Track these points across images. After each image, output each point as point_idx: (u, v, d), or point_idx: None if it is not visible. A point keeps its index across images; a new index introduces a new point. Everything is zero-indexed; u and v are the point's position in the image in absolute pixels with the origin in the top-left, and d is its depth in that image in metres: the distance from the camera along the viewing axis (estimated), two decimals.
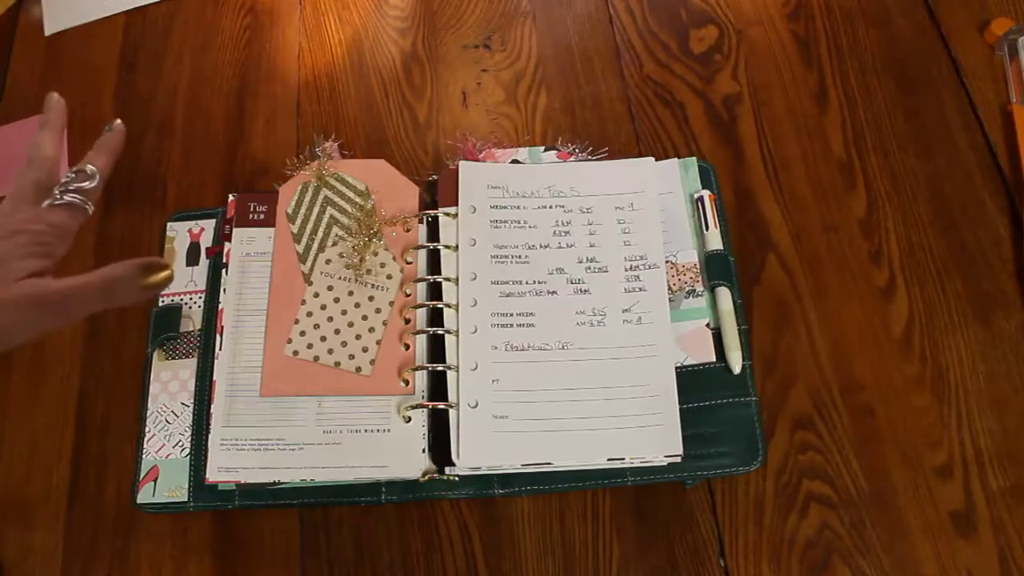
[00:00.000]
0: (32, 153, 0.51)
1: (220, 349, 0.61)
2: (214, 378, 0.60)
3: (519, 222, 0.63)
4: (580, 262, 0.62)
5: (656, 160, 0.66)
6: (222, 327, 0.62)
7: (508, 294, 0.61)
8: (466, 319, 0.60)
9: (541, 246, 0.63)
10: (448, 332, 0.60)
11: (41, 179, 0.50)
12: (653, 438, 0.56)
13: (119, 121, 0.56)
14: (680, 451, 0.55)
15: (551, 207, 0.64)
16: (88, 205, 0.50)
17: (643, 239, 0.62)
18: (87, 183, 0.50)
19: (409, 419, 0.58)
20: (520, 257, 0.62)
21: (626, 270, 0.61)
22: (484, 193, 0.64)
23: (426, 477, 0.57)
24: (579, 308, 0.60)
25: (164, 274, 0.48)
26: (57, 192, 0.49)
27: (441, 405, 0.58)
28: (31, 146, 0.52)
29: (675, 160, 0.66)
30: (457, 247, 0.63)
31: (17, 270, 0.45)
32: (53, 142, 0.53)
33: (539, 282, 0.61)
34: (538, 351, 0.59)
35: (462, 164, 0.65)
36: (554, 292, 0.61)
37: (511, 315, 0.60)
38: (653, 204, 0.64)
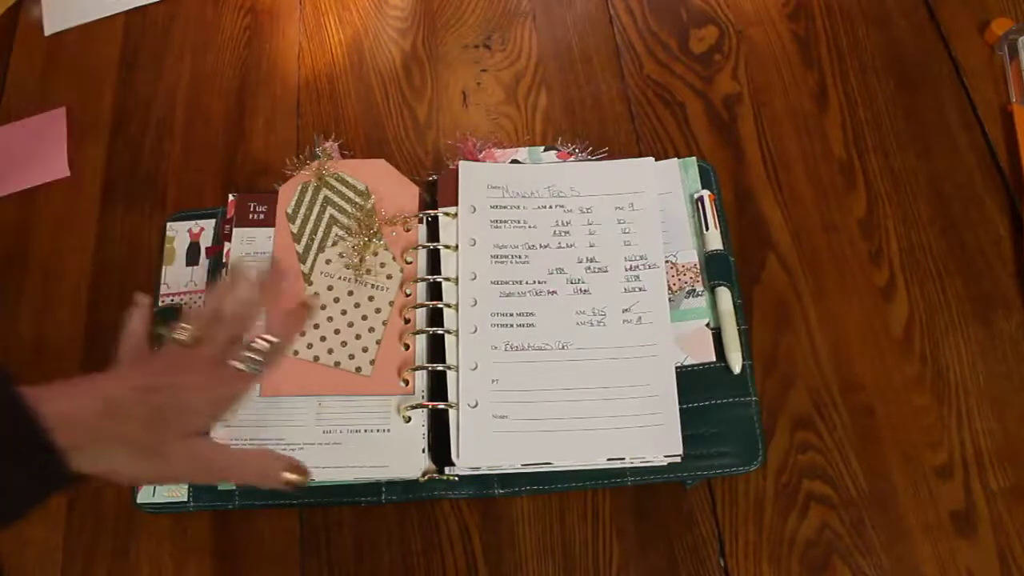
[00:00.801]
0: (237, 307, 0.50)
1: None
2: None
3: (519, 222, 0.63)
4: (580, 262, 0.62)
5: (656, 160, 0.66)
6: None
7: (508, 294, 0.61)
8: (466, 319, 0.60)
9: (541, 246, 0.63)
10: (448, 332, 0.60)
11: (236, 338, 0.49)
12: (653, 438, 0.56)
13: (312, 296, 0.55)
14: (680, 451, 0.55)
15: (551, 207, 0.64)
16: (262, 372, 0.49)
17: (643, 239, 0.62)
18: (270, 355, 0.49)
19: (409, 419, 0.58)
20: (520, 257, 0.62)
21: (626, 270, 0.61)
22: (484, 193, 0.64)
23: (426, 477, 0.57)
24: (579, 308, 0.60)
25: (303, 479, 0.48)
26: (243, 364, 0.48)
27: (441, 405, 0.58)
28: (238, 299, 0.50)
29: (675, 160, 0.66)
30: (457, 247, 0.63)
31: (197, 425, 0.47)
32: (264, 306, 0.52)
33: (539, 282, 0.61)
34: (538, 351, 0.59)
35: (462, 164, 0.65)
36: (554, 292, 0.61)
37: (511, 315, 0.60)
38: (653, 204, 0.64)
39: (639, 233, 0.63)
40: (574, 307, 0.60)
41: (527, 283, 0.61)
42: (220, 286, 0.53)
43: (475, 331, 0.60)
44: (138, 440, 0.44)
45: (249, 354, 0.48)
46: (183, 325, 0.48)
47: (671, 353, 0.59)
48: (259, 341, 0.49)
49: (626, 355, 0.59)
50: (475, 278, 0.61)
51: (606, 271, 0.61)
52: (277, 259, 0.55)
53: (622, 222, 0.63)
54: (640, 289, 0.61)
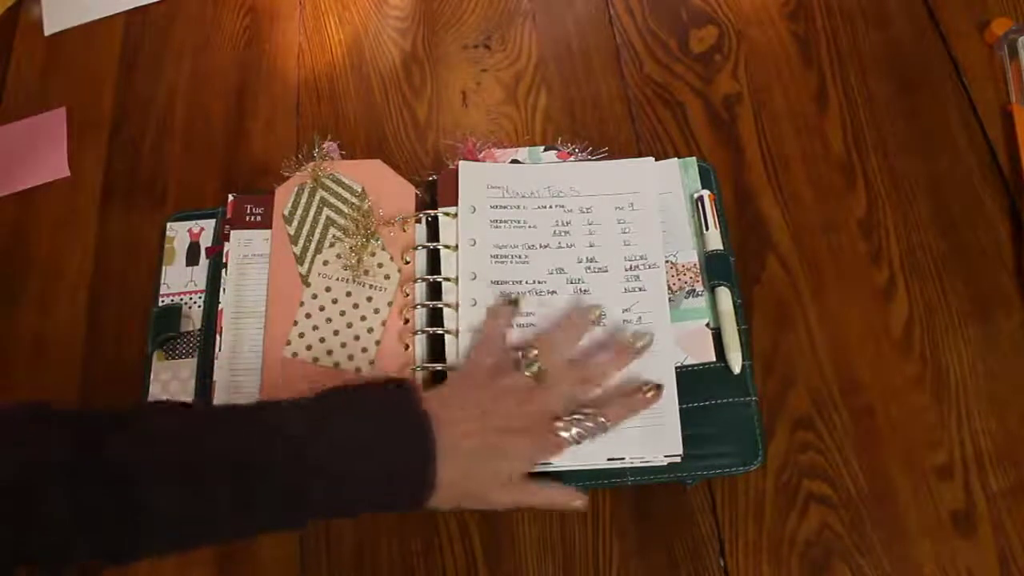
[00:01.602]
0: (592, 367, 0.55)
1: (220, 349, 0.61)
2: (214, 378, 0.60)
3: (519, 222, 0.63)
4: (580, 262, 0.62)
5: (656, 160, 0.66)
6: (222, 327, 0.62)
7: (508, 294, 0.61)
8: (466, 319, 0.60)
9: (541, 246, 0.63)
10: (448, 332, 0.60)
11: (573, 399, 0.54)
12: (653, 438, 0.56)
13: (657, 388, 0.56)
14: (680, 451, 0.55)
15: (551, 207, 0.64)
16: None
17: (643, 239, 0.62)
18: (595, 431, 0.53)
19: None
20: (520, 257, 0.62)
21: (626, 270, 0.61)
22: (484, 193, 0.64)
23: None
24: None
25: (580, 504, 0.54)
26: (571, 435, 0.52)
27: None
28: (597, 364, 0.55)
29: (675, 160, 0.66)
30: (457, 247, 0.63)
31: (513, 477, 0.52)
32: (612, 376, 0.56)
33: (539, 282, 0.61)
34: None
35: (462, 164, 0.65)
36: (554, 292, 0.61)
37: None
38: (653, 204, 0.64)
39: (639, 233, 0.63)
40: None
41: (527, 283, 0.61)
42: (577, 323, 0.57)
43: (475, 331, 0.60)
44: (471, 492, 0.51)
45: (580, 426, 0.52)
46: (533, 355, 0.54)
47: (671, 353, 0.59)
48: (593, 416, 0.52)
49: None
50: (475, 278, 0.61)
51: (606, 271, 0.61)
52: (647, 335, 0.57)
53: (622, 222, 0.63)
54: (640, 289, 0.61)
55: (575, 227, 0.63)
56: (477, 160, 0.67)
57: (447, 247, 0.63)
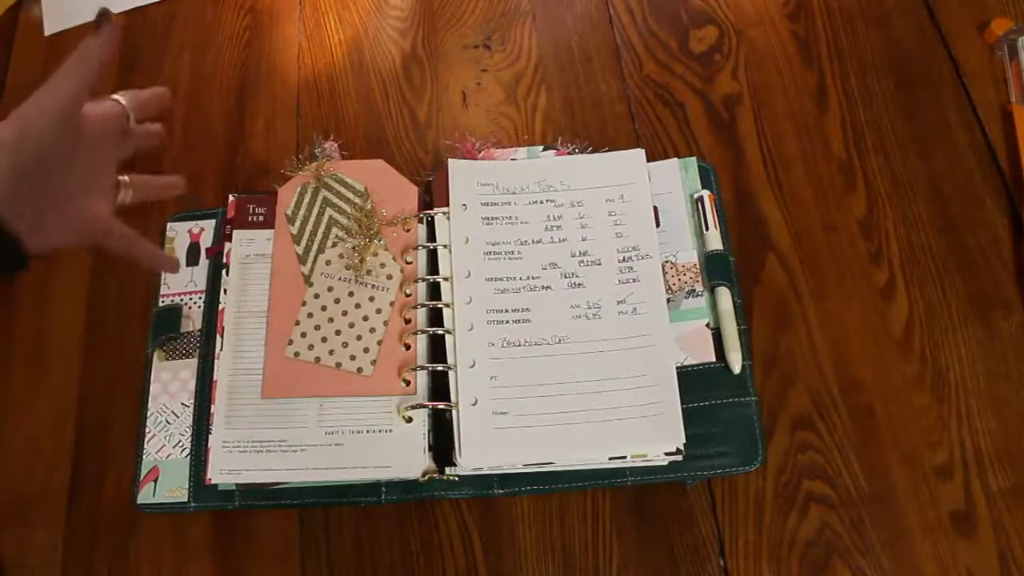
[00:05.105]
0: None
1: (220, 350, 0.61)
2: (215, 378, 0.61)
3: (510, 218, 0.63)
4: (573, 256, 0.62)
5: (656, 160, 0.66)
6: (223, 328, 0.62)
7: (502, 290, 0.61)
8: (462, 317, 0.60)
9: (533, 241, 0.63)
10: (448, 332, 0.60)
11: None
12: (655, 428, 0.56)
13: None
14: (682, 440, 0.55)
15: (542, 202, 0.64)
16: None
17: (635, 230, 0.62)
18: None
19: (410, 419, 0.58)
20: (513, 253, 0.62)
21: (619, 261, 0.61)
22: (474, 190, 0.64)
23: (426, 477, 0.57)
24: (574, 302, 0.60)
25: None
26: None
27: (441, 405, 0.58)
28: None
29: (675, 160, 0.66)
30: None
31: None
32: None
33: (533, 277, 0.61)
34: (534, 346, 0.59)
35: (451, 162, 0.65)
36: (548, 287, 0.61)
37: (506, 311, 0.60)
38: (644, 195, 0.63)
39: (631, 224, 0.63)
40: (569, 301, 0.60)
41: (521, 279, 0.61)
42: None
43: (471, 328, 0.60)
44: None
45: None
46: None
47: (669, 342, 0.59)
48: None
49: (623, 346, 0.59)
50: (469, 276, 0.61)
51: (599, 264, 0.61)
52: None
53: (613, 214, 0.63)
54: (634, 280, 0.61)
55: (567, 221, 0.63)
56: (476, 160, 0.67)
57: (444, 246, 0.63)
